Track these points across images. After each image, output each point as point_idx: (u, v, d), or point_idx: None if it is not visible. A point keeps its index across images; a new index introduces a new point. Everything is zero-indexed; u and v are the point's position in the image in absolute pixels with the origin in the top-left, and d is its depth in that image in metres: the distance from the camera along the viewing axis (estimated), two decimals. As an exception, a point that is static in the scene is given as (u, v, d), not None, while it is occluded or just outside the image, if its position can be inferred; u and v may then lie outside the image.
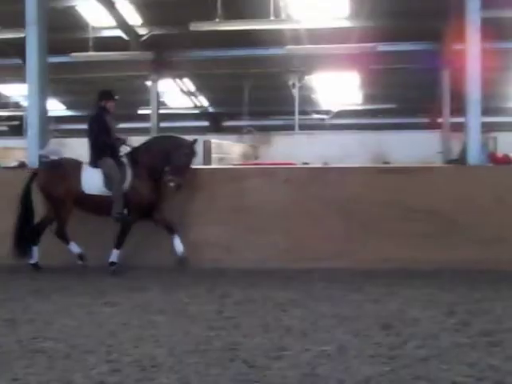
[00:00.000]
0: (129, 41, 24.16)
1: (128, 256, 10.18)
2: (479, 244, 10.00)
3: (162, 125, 27.89)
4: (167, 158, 10.24)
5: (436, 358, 5.38)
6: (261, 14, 20.22)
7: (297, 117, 28.35)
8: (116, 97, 10.66)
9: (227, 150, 22.59)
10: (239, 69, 26.40)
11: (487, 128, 17.94)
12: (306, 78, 27.77)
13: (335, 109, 31.93)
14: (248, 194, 10.62)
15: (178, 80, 29.85)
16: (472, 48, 11.28)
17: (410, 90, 27.95)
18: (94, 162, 10.26)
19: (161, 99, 29.08)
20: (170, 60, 26.21)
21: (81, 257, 10.21)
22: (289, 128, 28.77)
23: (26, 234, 10.20)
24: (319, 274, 9.55)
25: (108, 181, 10.07)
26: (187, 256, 9.96)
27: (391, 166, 15.45)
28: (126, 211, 10.10)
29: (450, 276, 9.39)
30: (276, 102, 30.13)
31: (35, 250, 10.28)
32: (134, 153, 10.43)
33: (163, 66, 26.34)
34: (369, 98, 30.36)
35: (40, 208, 10.31)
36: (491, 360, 5.34)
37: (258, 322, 6.73)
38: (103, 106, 10.52)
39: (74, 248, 10.24)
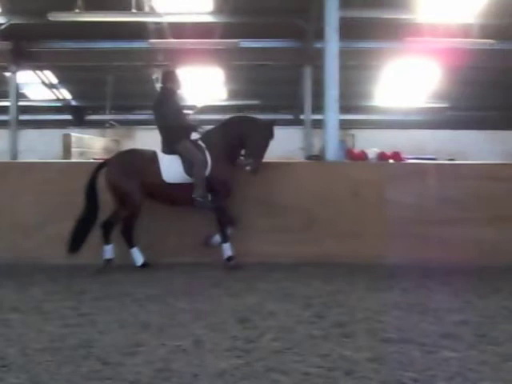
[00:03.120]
0: (-15, 30, 23.36)
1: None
2: (337, 238, 10.24)
3: (22, 118, 27.11)
4: (244, 141, 9.86)
5: (290, 350, 5.47)
6: (123, 6, 19.99)
7: (160, 111, 28.14)
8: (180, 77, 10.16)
9: (88, 145, 22.20)
10: (102, 62, 25.94)
11: (346, 125, 18.44)
12: (170, 72, 27.60)
13: (199, 104, 31.90)
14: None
15: (38, 72, 29.05)
16: (331, 46, 11.52)
17: (273, 86, 28.24)
18: (170, 148, 9.73)
19: (21, 91, 28.24)
20: (29, 51, 25.42)
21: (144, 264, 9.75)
22: (152, 123, 28.51)
23: (87, 230, 9.56)
24: (180, 269, 9.54)
25: (189, 165, 9.57)
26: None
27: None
28: (210, 197, 9.63)
29: (308, 270, 9.57)
30: (140, 96, 29.76)
31: (110, 247, 9.69)
32: (210, 135, 9.95)
33: (22, 57, 25.56)
34: (233, 94, 30.48)
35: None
36: (343, 350, 5.48)
37: (115, 319, 6.64)
38: (169, 88, 10.01)
39: (137, 257, 9.78)
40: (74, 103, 32.96)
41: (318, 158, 12.75)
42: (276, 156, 19.63)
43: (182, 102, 9.59)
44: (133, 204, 9.61)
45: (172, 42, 22.73)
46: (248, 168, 9.88)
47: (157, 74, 27.12)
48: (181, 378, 4.78)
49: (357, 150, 11.95)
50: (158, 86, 9.54)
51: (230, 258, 9.73)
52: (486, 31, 21.53)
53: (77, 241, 9.56)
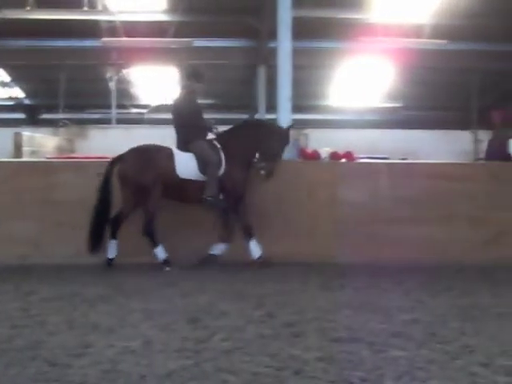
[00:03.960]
0: None
1: None
2: (290, 237, 10.24)
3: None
4: (259, 144, 9.90)
5: (240, 350, 5.43)
6: (75, 3, 19.79)
7: (114, 110, 27.98)
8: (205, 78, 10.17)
9: (40, 144, 21.88)
10: (55, 60, 25.67)
11: (299, 125, 18.42)
12: (124, 71, 27.44)
13: (154, 103, 31.73)
14: (58, 189, 10.35)
15: (-10, 70, 28.70)
16: (283, 46, 11.54)
17: (227, 86, 28.23)
18: (185, 146, 9.75)
19: (-28, 90, 27.90)
20: (-21, 48, 25.09)
21: (166, 262, 9.62)
22: (106, 122, 28.33)
23: (102, 227, 9.57)
24: (132, 268, 9.48)
25: (203, 164, 9.59)
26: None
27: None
28: (221, 196, 9.73)
29: (262, 269, 9.61)
30: (93, 95, 29.59)
31: (114, 244, 9.64)
32: (225, 136, 10.03)
33: (-27, 55, 25.21)
34: (188, 93, 30.39)
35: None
36: (292, 350, 5.45)
37: (64, 319, 6.53)
38: (190, 86, 10.00)
39: (160, 253, 9.63)
40: (26, 102, 32.62)
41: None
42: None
43: (199, 99, 9.66)
44: (150, 199, 9.59)
45: (125, 40, 22.59)
46: (262, 172, 10.00)
47: (110, 73, 26.94)
48: (128, 379, 4.71)
49: (310, 149, 11.98)
50: (181, 82, 9.68)
51: (259, 258, 9.84)
52: (438, 31, 21.76)
53: (95, 239, 9.59)
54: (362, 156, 13.76)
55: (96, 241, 9.60)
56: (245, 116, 29.48)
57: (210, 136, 10.08)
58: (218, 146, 9.90)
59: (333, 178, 10.43)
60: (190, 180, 9.63)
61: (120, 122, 28.25)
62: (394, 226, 10.36)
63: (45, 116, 31.76)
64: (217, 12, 21.80)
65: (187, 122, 9.81)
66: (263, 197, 10.31)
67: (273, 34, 12.40)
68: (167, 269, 9.50)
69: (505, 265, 10.09)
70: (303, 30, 17.05)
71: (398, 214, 10.45)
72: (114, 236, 9.68)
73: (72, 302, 7.40)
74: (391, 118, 30.50)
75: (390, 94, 29.09)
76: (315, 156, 11.21)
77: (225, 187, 9.72)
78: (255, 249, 9.83)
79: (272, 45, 19.57)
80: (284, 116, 11.45)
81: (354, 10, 20.81)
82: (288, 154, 11.21)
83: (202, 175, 9.63)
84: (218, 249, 9.98)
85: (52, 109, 30.70)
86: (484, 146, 15.22)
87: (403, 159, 17.28)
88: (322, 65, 25.57)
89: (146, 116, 32.02)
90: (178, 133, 9.99)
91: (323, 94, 28.81)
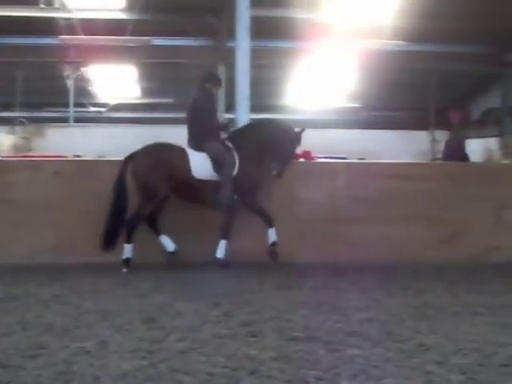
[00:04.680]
0: None
1: None
2: (248, 236, 10.17)
3: None
4: (271, 144, 9.92)
5: (196, 351, 5.39)
6: (32, 0, 19.59)
7: (72, 109, 27.78)
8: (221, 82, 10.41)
9: (-4, 142, 21.70)
10: (11, 57, 25.34)
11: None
12: (82, 69, 27.22)
13: (112, 102, 31.55)
14: (15, 187, 10.23)
15: None
16: (242, 45, 11.52)
17: (187, 85, 28.09)
18: (199, 146, 9.74)
19: None
20: None
21: (127, 262, 9.53)
22: (64, 120, 28.12)
23: (117, 226, 9.48)
24: (89, 268, 9.40)
25: (218, 164, 9.63)
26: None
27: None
28: (236, 196, 9.75)
29: (220, 268, 9.61)
30: (50, 94, 29.30)
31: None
32: (238, 136, 10.11)
33: None
34: (146, 92, 30.25)
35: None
36: (249, 350, 5.43)
37: (17, 320, 6.43)
38: (208, 89, 10.02)
39: (127, 252, 9.54)
40: (-18, 100, 32.20)
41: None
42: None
43: (216, 103, 9.78)
44: (157, 198, 9.66)
45: (83, 38, 22.40)
46: (274, 172, 10.03)
47: (68, 71, 26.71)
48: (82, 381, 4.65)
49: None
50: (198, 85, 9.66)
51: (274, 243, 9.92)
52: (397, 33, 21.90)
53: (110, 238, 9.52)
54: (320, 156, 13.82)
55: (110, 240, 9.54)
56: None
57: (222, 136, 10.17)
58: (231, 145, 9.95)
59: (291, 177, 10.41)
60: (205, 180, 9.67)
61: (78, 120, 28.07)
62: (351, 225, 10.40)
63: (1, 114, 31.37)
64: (176, 11, 21.70)
65: (201, 121, 9.87)
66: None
67: (232, 34, 12.36)
68: (124, 270, 9.43)
69: (460, 264, 10.19)
70: (262, 29, 17.07)
71: (356, 213, 10.50)
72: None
73: (26, 303, 7.31)
74: (351, 119, 30.64)
75: (349, 94, 29.21)
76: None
77: (239, 187, 9.75)
78: (273, 235, 9.90)
79: (231, 44, 19.54)
80: (242, 115, 11.42)
81: (313, 11, 20.84)
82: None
83: (216, 175, 9.68)
84: (222, 250, 9.92)
85: (9, 107, 30.35)
86: (441, 146, 15.38)
87: (361, 159, 17.39)
88: (282, 64, 25.61)
89: (104, 115, 31.82)
90: (191, 132, 10.03)
91: (283, 93, 28.85)
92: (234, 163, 9.78)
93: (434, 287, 8.65)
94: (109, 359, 5.14)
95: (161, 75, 27.57)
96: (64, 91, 27.81)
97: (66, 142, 23.85)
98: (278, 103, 29.31)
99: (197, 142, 9.85)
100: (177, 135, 25.60)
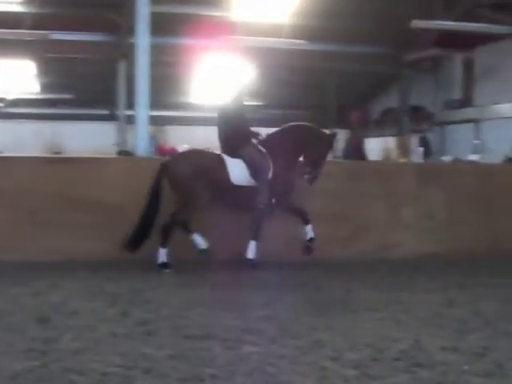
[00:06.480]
0: None
1: None
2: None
3: None
4: (304, 148, 9.97)
5: (90, 350, 5.33)
6: None
7: (-33, 104, 27.05)
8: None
9: None
10: None
11: (158, 121, 18.34)
12: (-22, 63, 26.50)
13: (10, 97, 30.79)
14: None
15: None
16: (142, 41, 11.42)
17: (88, 80, 27.71)
18: (234, 152, 9.63)
19: None
20: None
21: (166, 265, 9.39)
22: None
23: (147, 229, 9.40)
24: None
25: (254, 170, 9.59)
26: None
27: (61, 156, 15.26)
28: (273, 201, 9.71)
29: (117, 267, 9.40)
30: None
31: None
32: (271, 141, 9.96)
33: None
34: (46, 88, 29.64)
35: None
36: (145, 349, 5.40)
37: None
38: (238, 95, 9.99)
39: (162, 256, 9.39)
40: None
41: (128, 153, 12.63)
42: (90, 151, 19.39)
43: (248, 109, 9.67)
44: (199, 205, 9.66)
45: (-21, 31, 21.76)
46: (306, 176, 10.05)
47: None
48: (-30, 384, 4.55)
49: (167, 146, 11.95)
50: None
51: (311, 239, 10.00)
52: (297, 32, 22.09)
53: (136, 240, 9.46)
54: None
55: (136, 242, 9.49)
56: (105, 112, 29.05)
57: (255, 140, 10.08)
58: (265, 151, 9.88)
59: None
60: (242, 186, 9.62)
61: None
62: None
63: None
64: (76, 5, 21.34)
65: (233, 127, 9.79)
66: (118, 193, 10.14)
67: (133, 29, 12.21)
68: (167, 271, 9.35)
69: (358, 261, 10.36)
70: (163, 26, 16.96)
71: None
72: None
73: None
74: (253, 117, 30.77)
75: (251, 92, 29.33)
76: (172, 153, 11.17)
77: (274, 192, 9.73)
78: (310, 232, 9.98)
79: (132, 40, 19.37)
80: (142, 112, 11.32)
81: (214, 8, 20.85)
82: (145, 150, 11.12)
83: (252, 181, 9.66)
84: (253, 251, 9.82)
85: None
86: (341, 144, 15.59)
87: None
88: (183, 62, 25.48)
89: (1, 110, 31.03)
90: (225, 138, 9.90)
91: (184, 91, 28.73)
92: (269, 168, 9.78)
93: (332, 284, 8.78)
94: (-1, 360, 5.02)
95: (61, 70, 27.05)
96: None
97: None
98: (181, 100, 29.17)
99: (232, 149, 9.78)
100: (77, 131, 25.33)
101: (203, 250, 9.84)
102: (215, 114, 10.10)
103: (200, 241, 9.83)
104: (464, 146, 24.09)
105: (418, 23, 19.90)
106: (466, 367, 5.18)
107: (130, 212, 10.10)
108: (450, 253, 11.15)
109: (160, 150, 11.31)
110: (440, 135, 27.05)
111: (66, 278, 8.64)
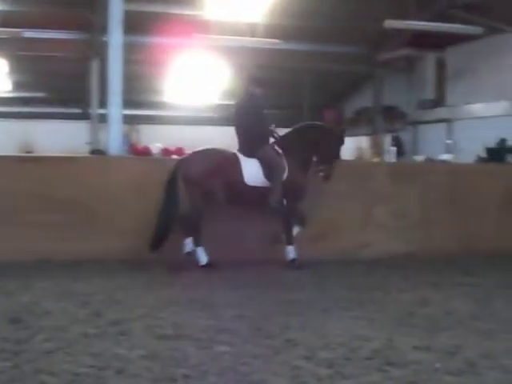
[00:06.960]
0: None
1: None
2: (119, 234, 10.05)
3: None
4: (317, 147, 10.00)
5: (62, 351, 5.29)
6: None
7: None
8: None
9: None
10: None
11: (131, 120, 18.26)
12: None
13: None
14: None
15: None
16: (114, 39, 11.36)
17: (60, 79, 27.52)
18: (250, 153, 9.59)
19: None
20: None
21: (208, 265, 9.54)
22: None
23: (167, 228, 9.45)
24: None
25: (270, 171, 9.55)
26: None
27: (33, 155, 15.15)
28: (284, 201, 9.69)
29: (89, 267, 9.34)
30: None
31: (201, 249, 9.59)
32: (285, 141, 9.96)
33: None
34: (18, 86, 29.41)
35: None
36: (117, 349, 5.38)
37: None
38: (252, 92, 9.77)
39: (202, 256, 9.60)
40: None
41: (100, 152, 12.56)
42: (64, 150, 19.23)
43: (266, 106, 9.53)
44: (212, 203, 9.66)
45: (-50, 29, 21.52)
46: (321, 174, 10.11)
47: None
48: None
49: (140, 145, 11.89)
50: (244, 87, 9.48)
51: (293, 260, 9.86)
52: (271, 31, 22.09)
53: (158, 239, 9.50)
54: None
55: (159, 241, 9.52)
56: (78, 110, 28.88)
57: (272, 140, 10.06)
58: (280, 151, 9.85)
59: (163, 173, 10.29)
60: (256, 186, 9.59)
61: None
62: (226, 223, 10.35)
63: None
64: (49, 3, 21.15)
65: (249, 127, 9.74)
66: (90, 193, 10.08)
67: (106, 28, 12.13)
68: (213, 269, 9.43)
69: (332, 260, 10.36)
70: (136, 24, 16.89)
71: (231, 211, 10.46)
72: (198, 243, 9.63)
73: None
74: (225, 116, 30.71)
75: (224, 91, 29.28)
76: (145, 151, 11.13)
77: (287, 192, 9.70)
78: (292, 252, 9.94)
79: (105, 38, 19.27)
80: (114, 111, 11.25)
81: (187, 6, 20.78)
82: (118, 149, 11.06)
83: (266, 181, 9.62)
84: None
85: None
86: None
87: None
88: (157, 60, 25.36)
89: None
90: (243, 137, 9.88)
91: (157, 89, 28.62)
92: (284, 169, 9.75)
93: (306, 283, 8.80)
94: (-31, 362, 4.98)
95: (34, 68, 26.85)
96: None
97: None
98: (155, 99, 29.06)
99: (248, 149, 9.76)
100: (49, 130, 25.10)
101: (188, 253, 9.78)
102: (191, 114, 10.10)
103: (191, 246, 9.75)
104: (436, 145, 24.18)
105: (391, 23, 19.97)
106: (438, 366, 5.21)
107: (102, 211, 10.09)
108: (422, 252, 11.22)
109: (133, 149, 11.24)
110: (413, 135, 27.15)
111: (38, 278, 8.58)
